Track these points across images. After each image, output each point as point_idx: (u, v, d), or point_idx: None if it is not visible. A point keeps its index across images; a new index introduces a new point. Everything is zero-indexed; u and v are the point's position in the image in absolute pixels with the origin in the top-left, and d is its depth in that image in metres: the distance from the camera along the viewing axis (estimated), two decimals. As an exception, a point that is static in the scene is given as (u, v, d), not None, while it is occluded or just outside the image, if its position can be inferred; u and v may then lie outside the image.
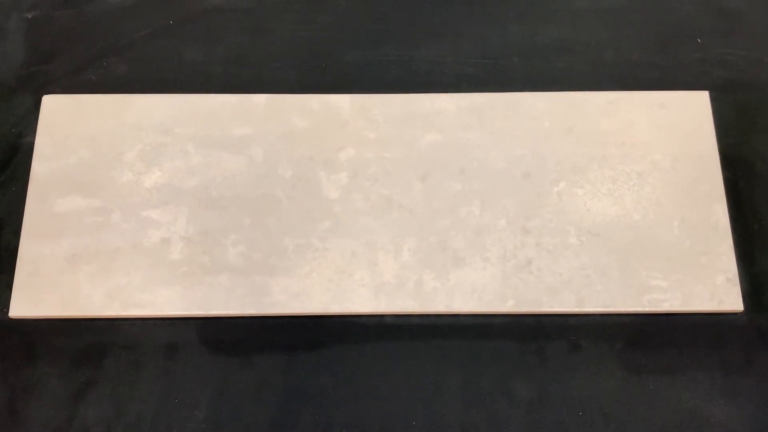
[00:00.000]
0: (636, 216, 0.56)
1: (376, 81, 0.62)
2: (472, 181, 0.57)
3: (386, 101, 0.60)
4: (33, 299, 0.53)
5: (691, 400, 0.51)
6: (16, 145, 0.60)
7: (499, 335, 0.53)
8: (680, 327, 0.53)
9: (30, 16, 0.66)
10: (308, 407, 0.51)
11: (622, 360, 0.53)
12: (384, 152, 0.58)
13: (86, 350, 0.53)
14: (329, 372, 0.52)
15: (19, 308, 0.53)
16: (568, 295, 0.53)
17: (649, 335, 0.53)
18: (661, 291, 0.53)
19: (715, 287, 0.53)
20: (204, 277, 0.54)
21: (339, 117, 0.59)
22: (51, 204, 0.56)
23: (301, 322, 0.54)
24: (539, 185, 0.57)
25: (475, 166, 0.57)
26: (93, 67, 0.63)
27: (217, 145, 0.58)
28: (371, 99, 0.60)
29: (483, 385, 0.52)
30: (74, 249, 0.55)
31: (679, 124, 0.58)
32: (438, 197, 0.56)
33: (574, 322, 0.54)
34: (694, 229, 0.55)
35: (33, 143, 0.58)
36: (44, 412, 0.51)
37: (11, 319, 0.54)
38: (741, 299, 0.53)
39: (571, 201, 0.56)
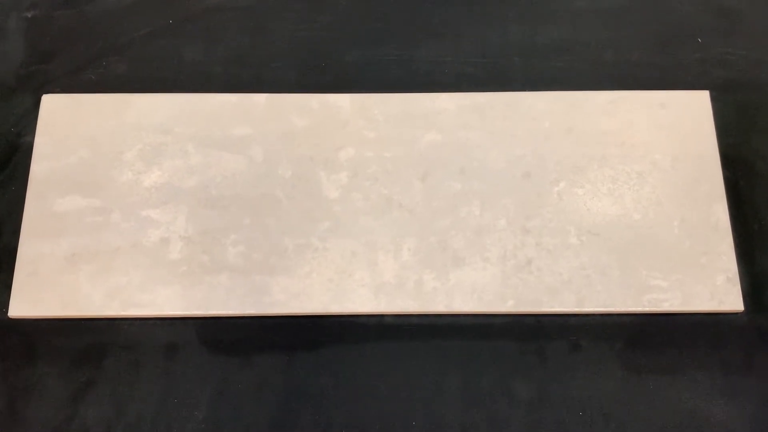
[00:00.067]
0: (636, 216, 0.55)
1: (376, 80, 0.62)
2: (472, 180, 0.57)
3: (386, 101, 0.60)
4: (32, 299, 0.53)
5: (691, 400, 0.51)
6: (15, 145, 0.60)
7: (499, 335, 0.53)
8: (680, 327, 0.53)
9: (29, 16, 0.66)
10: (308, 407, 0.51)
11: (622, 360, 0.53)
12: (384, 152, 0.58)
13: (86, 350, 0.53)
14: (329, 372, 0.52)
15: (19, 308, 0.53)
16: (568, 295, 0.53)
17: (649, 335, 0.53)
18: (661, 291, 0.53)
19: (716, 287, 0.53)
20: (204, 276, 0.54)
21: (339, 116, 0.59)
22: (50, 203, 0.56)
23: (301, 322, 0.54)
24: (539, 185, 0.57)
25: (475, 166, 0.57)
26: (93, 66, 0.63)
27: (217, 145, 0.58)
28: (371, 98, 0.60)
29: (483, 385, 0.52)
30: (74, 249, 0.55)
31: (680, 124, 0.58)
32: (438, 197, 0.56)
33: (574, 322, 0.54)
34: (695, 229, 0.55)
35: (32, 143, 0.58)
36: (44, 412, 0.51)
37: (11, 319, 0.54)
38: (741, 299, 0.53)
39: (571, 201, 0.56)
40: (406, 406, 0.51)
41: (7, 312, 0.54)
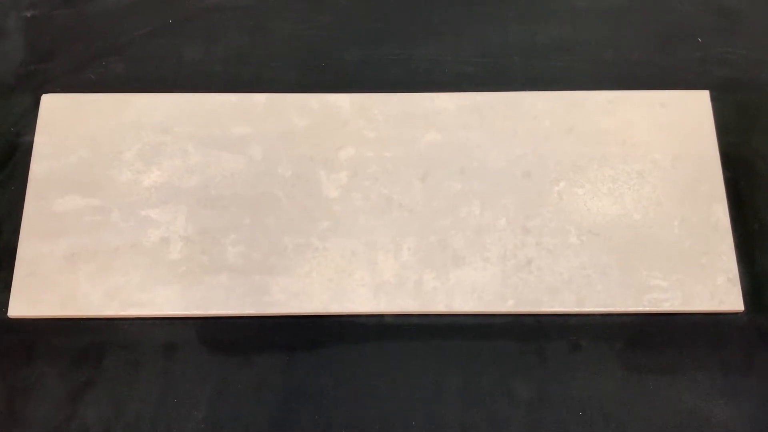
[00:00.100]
0: (636, 215, 0.55)
1: (376, 80, 0.62)
2: (472, 180, 0.57)
3: (386, 100, 0.60)
4: (32, 299, 0.53)
5: (691, 400, 0.51)
6: (15, 144, 0.60)
7: (499, 335, 0.53)
8: (680, 327, 0.53)
9: (29, 15, 0.66)
10: (308, 407, 0.51)
11: (622, 360, 0.52)
12: (384, 151, 0.58)
13: (85, 350, 0.53)
14: (329, 372, 0.52)
15: (18, 308, 0.53)
16: (569, 295, 0.53)
17: (649, 335, 0.53)
18: (661, 291, 0.53)
19: (716, 287, 0.53)
20: (203, 276, 0.54)
21: (339, 116, 0.59)
22: (50, 203, 0.56)
23: (301, 321, 0.54)
24: (539, 185, 0.57)
25: (475, 166, 0.57)
26: (92, 66, 0.63)
27: (217, 145, 0.58)
28: (371, 98, 0.60)
29: (483, 385, 0.52)
30: (73, 248, 0.54)
31: (680, 124, 0.58)
32: (438, 197, 0.56)
33: (574, 322, 0.54)
34: (695, 229, 0.55)
35: (32, 142, 0.58)
36: (43, 412, 0.51)
37: (10, 318, 0.54)
38: (741, 299, 0.53)
39: (572, 200, 0.56)
40: (406, 406, 0.51)
41: (6, 312, 0.53)
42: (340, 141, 0.58)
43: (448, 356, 0.53)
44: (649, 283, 0.53)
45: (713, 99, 0.60)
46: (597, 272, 0.54)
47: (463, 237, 0.55)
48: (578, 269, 0.54)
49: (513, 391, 0.52)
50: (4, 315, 0.54)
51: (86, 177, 0.57)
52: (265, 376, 0.52)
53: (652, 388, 0.52)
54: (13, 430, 0.51)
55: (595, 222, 0.55)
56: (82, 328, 0.54)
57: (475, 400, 0.51)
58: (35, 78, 0.63)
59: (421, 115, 0.59)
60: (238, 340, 0.53)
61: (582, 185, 0.57)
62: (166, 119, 0.59)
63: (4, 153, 0.60)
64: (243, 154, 0.58)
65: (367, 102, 0.59)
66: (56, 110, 0.59)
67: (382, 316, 0.54)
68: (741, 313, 0.54)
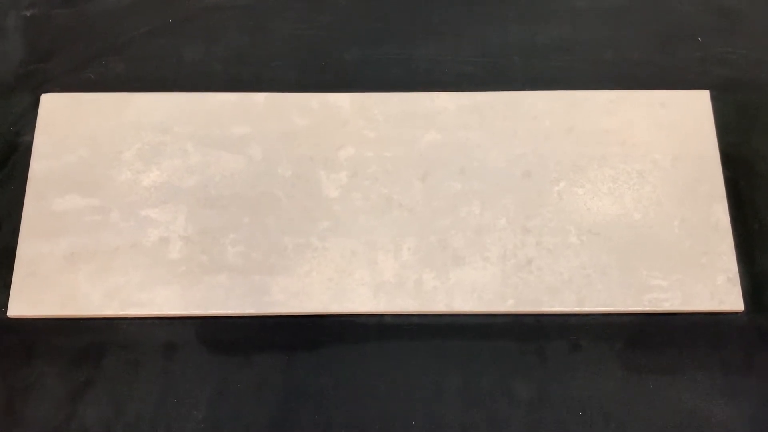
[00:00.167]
0: (636, 215, 0.55)
1: (376, 80, 0.62)
2: (472, 180, 0.57)
3: (386, 100, 0.60)
4: (31, 299, 0.53)
5: (691, 400, 0.51)
6: (14, 144, 0.60)
7: (499, 335, 0.53)
8: (680, 327, 0.53)
9: (28, 15, 0.65)
10: (308, 407, 0.51)
11: (622, 360, 0.52)
12: (384, 151, 0.58)
13: (85, 350, 0.53)
14: (329, 372, 0.52)
15: (18, 308, 0.53)
16: (569, 295, 0.53)
17: (649, 335, 0.53)
18: (661, 290, 0.53)
19: (716, 287, 0.53)
20: (203, 276, 0.54)
21: (339, 116, 0.59)
22: (49, 203, 0.56)
23: (301, 321, 0.54)
24: (539, 184, 0.56)
25: (475, 166, 0.57)
26: (92, 65, 0.63)
27: (217, 144, 0.58)
28: (371, 98, 0.60)
29: (483, 385, 0.52)
30: (73, 248, 0.54)
31: (680, 123, 0.58)
32: (438, 196, 0.56)
33: (574, 322, 0.54)
34: (695, 229, 0.55)
35: (31, 142, 0.58)
36: (43, 412, 0.51)
37: (10, 318, 0.54)
38: (741, 299, 0.53)
39: (572, 200, 0.56)
40: (406, 406, 0.51)
41: (6, 312, 0.53)
42: (340, 141, 0.58)
43: (448, 356, 0.53)
44: (649, 283, 0.53)
45: (713, 99, 0.60)
46: (597, 272, 0.54)
47: (463, 237, 0.55)
48: (578, 269, 0.54)
49: (513, 391, 0.52)
50: (4, 315, 0.54)
51: (86, 177, 0.57)
52: (265, 376, 0.52)
53: (652, 388, 0.52)
54: (13, 430, 0.51)
55: (595, 222, 0.55)
56: (82, 327, 0.54)
57: (475, 400, 0.51)
58: (35, 77, 0.62)
59: (421, 115, 0.59)
60: (238, 340, 0.53)
61: (582, 185, 0.57)
62: (166, 119, 0.59)
63: (3, 152, 0.60)
64: (243, 154, 0.58)
65: (367, 102, 0.59)
66: (56, 110, 0.59)
67: (382, 315, 0.54)
68: (741, 313, 0.54)
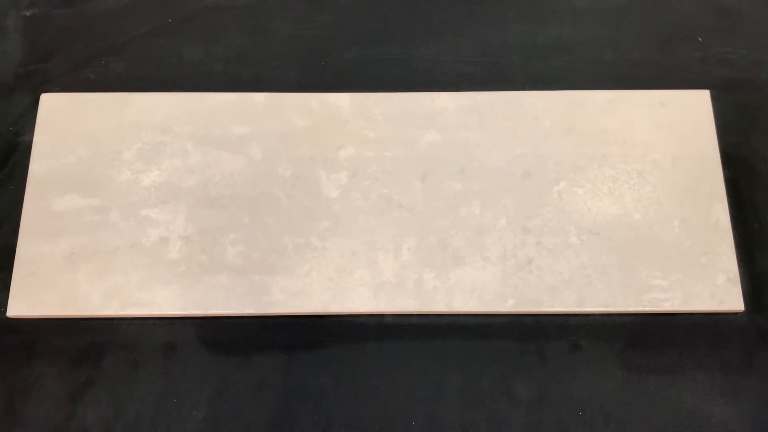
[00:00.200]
0: (636, 215, 0.55)
1: (376, 80, 0.62)
2: (472, 180, 0.57)
3: (386, 100, 0.59)
4: (31, 299, 0.53)
5: (691, 400, 0.51)
6: (14, 144, 0.60)
7: (499, 335, 0.53)
8: (680, 327, 0.53)
9: (28, 14, 0.65)
10: (308, 407, 0.51)
11: (622, 360, 0.52)
12: (384, 151, 0.58)
13: (85, 350, 0.53)
14: (329, 372, 0.52)
15: (17, 308, 0.53)
16: (569, 295, 0.53)
17: (649, 335, 0.53)
18: (661, 290, 0.53)
19: (716, 287, 0.53)
20: (203, 276, 0.54)
21: (339, 116, 0.59)
22: (49, 203, 0.56)
23: (301, 321, 0.54)
24: (539, 184, 0.56)
25: (475, 166, 0.57)
26: (92, 65, 0.63)
27: (217, 144, 0.58)
28: (371, 98, 0.60)
29: (483, 385, 0.52)
30: (72, 248, 0.54)
31: (680, 123, 0.58)
32: (438, 196, 0.56)
33: (574, 322, 0.54)
34: (695, 229, 0.55)
35: (31, 142, 0.58)
36: (43, 412, 0.51)
37: (9, 318, 0.53)
38: (741, 299, 0.53)
39: (572, 200, 0.56)
40: (406, 406, 0.51)
41: (5, 312, 0.53)
42: (340, 141, 0.58)
43: (448, 356, 0.53)
44: (649, 283, 0.53)
45: (713, 99, 0.60)
46: (597, 272, 0.54)
47: (463, 237, 0.55)
48: (578, 269, 0.54)
49: (513, 391, 0.52)
50: (4, 315, 0.54)
51: (86, 176, 0.57)
52: (265, 376, 0.52)
53: (652, 388, 0.52)
54: (13, 430, 0.51)
55: (595, 222, 0.55)
56: (82, 328, 0.53)
57: (475, 400, 0.51)
58: (34, 77, 0.62)
59: (421, 115, 0.59)
60: (238, 340, 0.53)
61: (582, 185, 0.57)
62: (166, 119, 0.59)
63: (3, 152, 0.60)
64: (243, 154, 0.58)
65: (367, 102, 0.59)
66: (55, 110, 0.59)
67: (382, 315, 0.54)
68: (741, 313, 0.53)
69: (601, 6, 0.65)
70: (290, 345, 0.53)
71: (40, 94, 0.60)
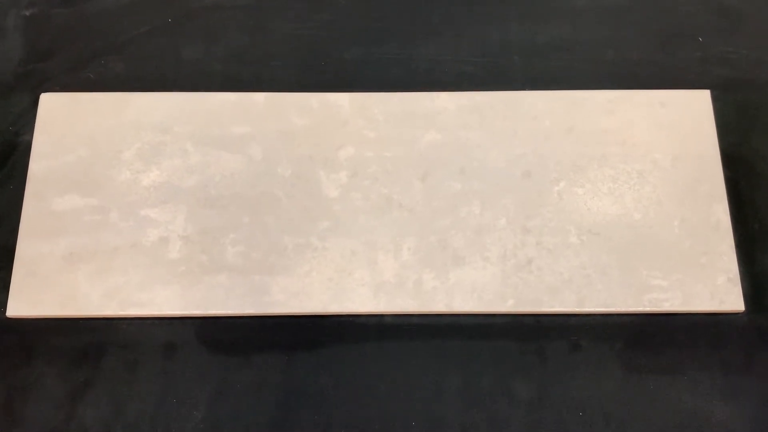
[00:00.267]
0: (636, 215, 0.55)
1: (376, 79, 0.62)
2: (472, 180, 0.57)
3: (386, 100, 0.59)
4: (30, 299, 0.53)
5: (691, 400, 0.51)
6: (13, 144, 0.60)
7: (499, 335, 0.53)
8: (680, 327, 0.53)
9: (28, 14, 0.65)
10: (308, 407, 0.51)
11: (622, 360, 0.52)
12: (384, 151, 0.58)
13: (84, 350, 0.53)
14: (329, 372, 0.52)
15: (17, 308, 0.53)
16: (569, 295, 0.53)
17: (650, 335, 0.53)
18: (661, 291, 0.53)
19: (716, 287, 0.53)
20: (203, 276, 0.54)
21: (339, 116, 0.59)
22: (49, 203, 0.56)
23: (301, 321, 0.54)
24: (539, 184, 0.56)
25: (475, 166, 0.57)
26: (91, 65, 0.63)
27: (216, 144, 0.58)
28: (371, 98, 0.60)
29: (483, 385, 0.52)
30: (72, 248, 0.54)
31: (680, 123, 0.58)
32: (438, 196, 0.56)
33: (574, 322, 0.54)
34: (695, 229, 0.55)
35: (31, 141, 0.58)
36: (42, 412, 0.51)
37: (9, 318, 0.53)
38: (742, 299, 0.53)
39: (572, 200, 0.56)
40: (406, 406, 0.51)
41: (5, 312, 0.53)
42: (340, 141, 0.58)
43: (448, 356, 0.53)
44: (650, 283, 0.53)
45: (714, 98, 0.60)
46: (597, 272, 0.54)
47: (463, 237, 0.55)
48: (578, 269, 0.54)
49: (513, 391, 0.52)
50: (3, 315, 0.53)
51: (85, 176, 0.57)
52: (265, 376, 0.52)
53: (652, 388, 0.52)
54: (12, 430, 0.51)
55: (595, 222, 0.55)
56: (82, 328, 0.53)
57: (475, 400, 0.51)
58: (34, 77, 0.62)
59: (421, 115, 0.59)
60: (238, 340, 0.53)
61: (582, 185, 0.57)
62: (166, 119, 0.59)
63: (2, 152, 0.60)
64: (243, 154, 0.58)
65: (367, 101, 0.59)
66: (55, 109, 0.59)
67: (382, 316, 0.54)
68: (741, 313, 0.53)
69: (601, 6, 0.65)
70: (290, 345, 0.53)
71: (40, 93, 0.60)
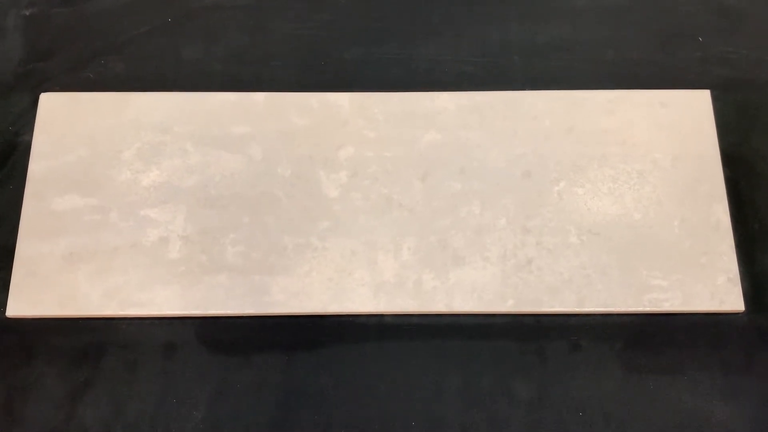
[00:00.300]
0: (636, 215, 0.55)
1: (376, 79, 0.62)
2: (472, 180, 0.57)
3: (386, 100, 0.59)
4: (30, 299, 0.53)
5: (691, 400, 0.51)
6: (13, 144, 0.60)
7: (499, 335, 0.53)
8: (680, 327, 0.53)
9: (28, 14, 0.65)
10: (308, 407, 0.51)
11: (622, 360, 0.52)
12: (384, 151, 0.58)
13: (84, 350, 0.53)
14: (329, 372, 0.52)
15: (17, 308, 0.53)
16: (569, 295, 0.53)
17: (649, 335, 0.53)
18: (661, 291, 0.53)
19: (716, 287, 0.53)
20: (203, 276, 0.54)
21: (339, 116, 0.59)
22: (48, 203, 0.56)
23: (301, 321, 0.54)
24: (539, 184, 0.56)
25: (475, 166, 0.57)
26: (91, 65, 0.63)
27: (216, 144, 0.58)
28: (371, 98, 0.60)
29: (483, 385, 0.52)
30: (72, 248, 0.54)
31: (680, 123, 0.58)
32: (438, 196, 0.56)
33: (574, 322, 0.54)
34: (695, 229, 0.55)
35: (30, 141, 0.58)
36: (42, 412, 0.51)
37: (9, 318, 0.53)
38: (742, 299, 0.53)
39: (572, 200, 0.56)
40: (406, 406, 0.51)
41: (5, 312, 0.53)
42: (340, 140, 0.58)
43: (448, 356, 0.53)
44: (650, 283, 0.53)
45: (714, 98, 0.60)
46: (597, 272, 0.54)
47: (463, 237, 0.55)
48: (578, 269, 0.54)
49: (513, 391, 0.52)
50: (3, 315, 0.53)
51: (85, 176, 0.57)
52: (265, 376, 0.52)
53: (652, 388, 0.52)
54: (12, 430, 0.51)
55: (595, 222, 0.55)
56: (81, 328, 0.53)
57: (475, 400, 0.51)
58: (34, 77, 0.62)
59: (421, 115, 0.59)
60: (238, 340, 0.53)
61: (582, 185, 0.57)
62: (166, 118, 0.59)
63: (2, 152, 0.60)
64: (242, 154, 0.58)
65: (367, 101, 0.59)
66: (55, 109, 0.59)
67: (382, 316, 0.54)
68: (741, 313, 0.53)
69: (601, 6, 0.65)
70: (290, 345, 0.53)
71: (40, 93, 0.60)
